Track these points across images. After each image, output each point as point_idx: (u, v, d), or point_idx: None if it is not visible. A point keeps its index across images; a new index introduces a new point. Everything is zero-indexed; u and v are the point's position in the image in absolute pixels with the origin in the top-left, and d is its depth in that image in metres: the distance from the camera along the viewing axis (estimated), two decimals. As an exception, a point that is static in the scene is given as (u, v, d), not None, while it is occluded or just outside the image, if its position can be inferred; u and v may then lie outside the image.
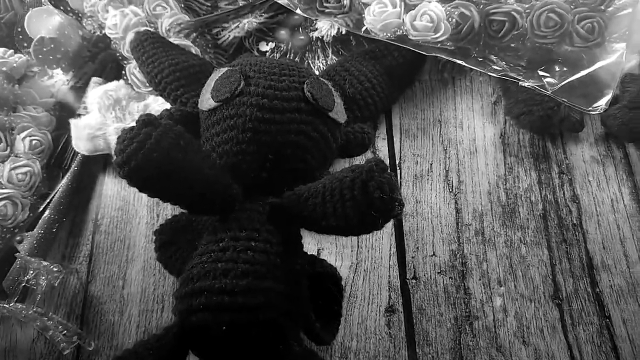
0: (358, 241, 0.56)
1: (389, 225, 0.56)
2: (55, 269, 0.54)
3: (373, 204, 0.36)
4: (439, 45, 0.58)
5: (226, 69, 0.47)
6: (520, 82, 0.57)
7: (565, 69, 0.58)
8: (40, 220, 0.58)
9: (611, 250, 0.54)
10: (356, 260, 0.55)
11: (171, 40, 0.60)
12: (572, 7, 0.57)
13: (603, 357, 0.50)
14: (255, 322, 0.36)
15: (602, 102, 0.56)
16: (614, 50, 0.57)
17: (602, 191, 0.57)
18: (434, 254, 0.55)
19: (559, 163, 0.58)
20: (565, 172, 0.58)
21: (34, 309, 0.53)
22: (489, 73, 0.58)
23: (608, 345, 0.50)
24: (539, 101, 0.58)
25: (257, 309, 0.36)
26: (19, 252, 0.56)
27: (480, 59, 0.59)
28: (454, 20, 0.57)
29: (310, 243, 0.56)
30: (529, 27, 0.57)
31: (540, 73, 0.57)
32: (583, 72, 0.57)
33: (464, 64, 0.58)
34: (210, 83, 0.47)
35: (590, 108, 0.56)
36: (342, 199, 0.37)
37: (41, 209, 0.59)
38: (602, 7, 0.56)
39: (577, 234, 0.55)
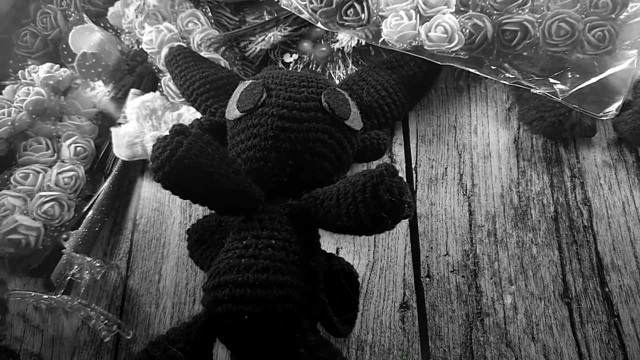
0: (375, 240, 0.59)
1: (405, 226, 0.59)
2: (97, 264, 0.59)
3: (383, 206, 0.39)
4: (453, 55, 0.61)
5: (250, 81, 0.51)
6: (532, 90, 0.59)
7: (577, 75, 0.60)
8: (84, 220, 0.63)
9: (621, 252, 0.55)
10: (373, 258, 0.58)
11: (202, 54, 0.64)
12: (583, 16, 0.59)
13: (611, 354, 0.51)
14: (273, 313, 0.39)
15: (613, 108, 0.57)
16: (625, 57, 0.59)
17: (614, 194, 0.58)
18: (447, 254, 0.58)
19: (571, 167, 0.60)
20: (577, 176, 0.60)
21: (79, 301, 0.58)
22: (502, 81, 0.60)
23: (616, 343, 0.52)
24: (551, 107, 0.60)
25: (276, 300, 0.40)
26: (65, 248, 0.61)
27: (493, 68, 0.61)
28: (467, 30, 0.60)
29: (330, 242, 0.59)
30: (540, 36, 0.59)
31: (552, 80, 0.59)
32: (594, 79, 0.58)
33: (477, 72, 0.61)
34: (236, 95, 0.51)
35: (601, 114, 0.57)
36: (355, 202, 0.40)
37: (85, 209, 0.64)
38: (613, 16, 0.58)
39: (587, 235, 0.57)
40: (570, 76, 0.60)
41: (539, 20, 0.59)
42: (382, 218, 0.39)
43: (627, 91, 0.58)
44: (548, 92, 0.58)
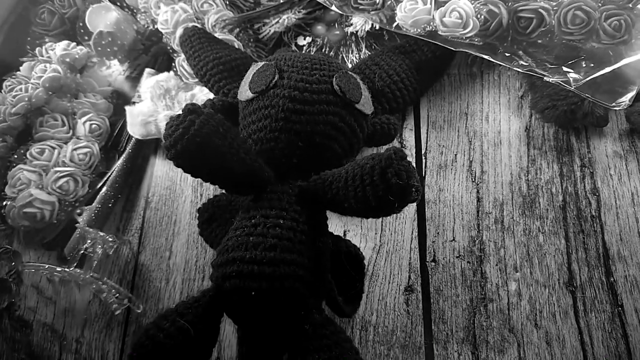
0: (382, 224, 0.60)
1: (412, 211, 0.60)
2: (110, 239, 0.61)
3: (390, 189, 0.39)
4: (467, 41, 0.61)
5: (263, 63, 0.51)
6: (545, 78, 0.59)
7: (591, 65, 0.59)
8: (98, 196, 0.64)
9: (628, 242, 0.56)
10: (379, 242, 0.59)
11: (216, 35, 0.65)
12: (599, 4, 0.58)
13: (613, 343, 0.52)
14: (279, 290, 0.41)
15: (626, 98, 0.57)
16: (641, 47, 0.58)
17: (623, 185, 0.58)
18: (453, 239, 0.58)
19: (582, 156, 0.60)
20: (587, 166, 0.60)
21: (91, 274, 0.59)
22: (515, 68, 0.60)
23: (619, 333, 0.52)
24: (564, 96, 0.59)
25: (282, 278, 0.41)
26: (79, 223, 0.62)
27: (507, 55, 0.61)
28: (482, 16, 0.59)
29: (337, 225, 0.60)
30: (556, 24, 0.58)
31: (565, 69, 0.59)
32: (608, 69, 0.58)
33: (491, 59, 0.60)
34: (249, 76, 0.52)
35: (614, 104, 0.57)
36: (362, 184, 0.41)
37: (99, 185, 0.66)
38: (630, 5, 0.57)
39: (595, 225, 0.57)
40: (584, 65, 0.59)
41: (555, 8, 0.59)
42: (389, 201, 0.40)
43: (641, 82, 0.57)
44: (561, 81, 0.58)
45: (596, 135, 0.61)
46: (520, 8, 0.59)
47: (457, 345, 0.53)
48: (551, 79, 0.58)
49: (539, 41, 0.61)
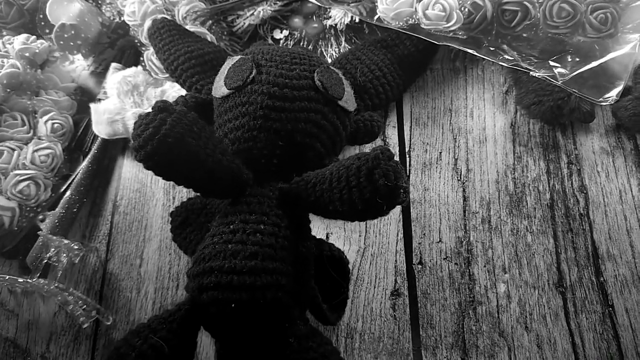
0: (366, 226, 0.57)
1: (397, 212, 0.57)
2: (75, 247, 0.57)
3: (378, 191, 0.37)
4: (450, 34, 0.59)
5: (239, 57, 0.48)
6: (531, 72, 0.57)
7: (577, 59, 0.58)
8: (61, 200, 0.60)
9: (617, 241, 0.54)
10: (364, 244, 0.56)
11: (187, 27, 0.61)
12: (585, -3, 0.57)
13: (604, 344, 0.51)
14: (261, 301, 0.38)
15: (613, 94, 0.56)
16: (627, 41, 0.57)
17: (611, 182, 0.57)
18: (440, 241, 0.56)
19: (568, 153, 0.59)
20: (574, 163, 0.58)
21: (56, 285, 0.55)
22: (500, 63, 0.58)
23: (610, 333, 0.51)
24: (550, 91, 0.58)
25: (264, 288, 0.38)
26: (42, 230, 0.58)
27: (491, 49, 0.59)
28: (466, 9, 0.58)
29: (320, 227, 0.57)
30: (541, 17, 0.57)
31: (552, 63, 0.57)
32: (595, 63, 0.57)
33: (475, 53, 0.59)
34: (224, 71, 0.49)
35: (601, 99, 0.56)
36: (348, 186, 0.38)
37: (62, 189, 0.61)
38: (616, -2, 0.56)
39: (583, 223, 0.55)
40: (570, 59, 0.58)
41: (540, 1, 0.57)
42: (376, 203, 0.38)
43: (627, 76, 0.56)
44: (547, 76, 0.57)
45: (582, 131, 0.60)
46: (505, 1, 0.57)
47: (447, 350, 0.51)
48: (537, 74, 0.57)
49: (524, 35, 0.59)
